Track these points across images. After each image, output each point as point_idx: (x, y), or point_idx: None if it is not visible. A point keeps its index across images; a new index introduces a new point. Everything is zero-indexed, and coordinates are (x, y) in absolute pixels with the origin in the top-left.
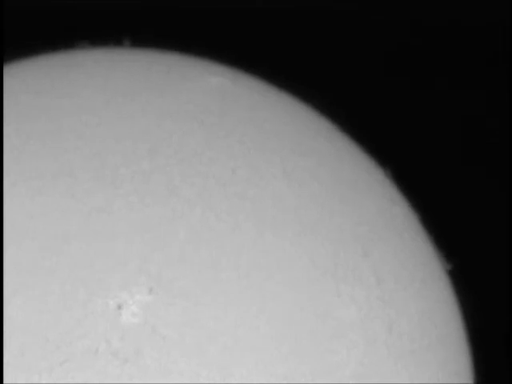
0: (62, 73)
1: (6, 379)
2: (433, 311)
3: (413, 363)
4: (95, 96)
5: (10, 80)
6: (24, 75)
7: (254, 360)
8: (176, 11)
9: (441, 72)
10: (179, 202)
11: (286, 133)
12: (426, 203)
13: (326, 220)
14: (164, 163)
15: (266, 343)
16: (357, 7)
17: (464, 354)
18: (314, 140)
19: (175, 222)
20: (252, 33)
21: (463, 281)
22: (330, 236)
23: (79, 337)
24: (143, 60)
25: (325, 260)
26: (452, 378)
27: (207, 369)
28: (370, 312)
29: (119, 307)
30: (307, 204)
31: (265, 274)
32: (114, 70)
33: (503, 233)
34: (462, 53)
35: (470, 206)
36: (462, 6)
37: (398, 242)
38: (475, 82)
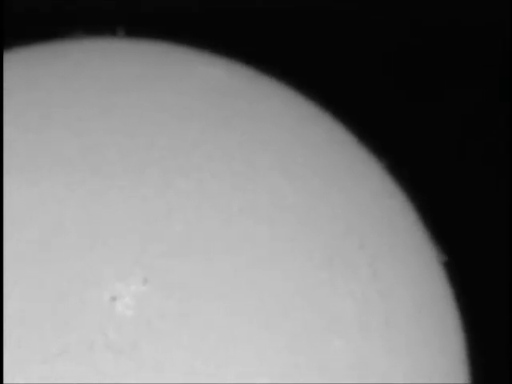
0: (55, 64)
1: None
2: (429, 304)
3: (409, 357)
4: (89, 87)
5: (4, 71)
6: (16, 66)
7: (249, 352)
8: (171, 2)
9: (440, 72)
10: (175, 194)
11: (283, 124)
12: (423, 196)
13: (323, 212)
14: (159, 155)
15: (262, 336)
16: (357, 7)
17: (460, 347)
18: (311, 132)
19: (170, 215)
20: (252, 32)
21: (460, 274)
22: (326, 228)
23: (74, 329)
24: (137, 51)
25: (320, 252)
26: (449, 373)
27: (202, 361)
28: (366, 305)
29: (113, 299)
30: (303, 196)
31: (260, 266)
32: (109, 61)
33: (500, 225)
34: (462, 53)
35: (466, 198)
36: (461, 6)
37: (395, 235)
38: (475, 82)
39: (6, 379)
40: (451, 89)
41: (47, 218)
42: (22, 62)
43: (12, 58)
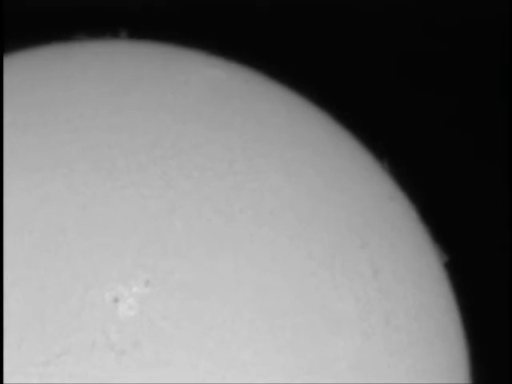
0: (58, 65)
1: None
2: (430, 304)
3: (409, 356)
4: (92, 88)
5: (6, 72)
6: (20, 67)
7: (250, 352)
8: (172, 3)
9: (441, 72)
10: (176, 194)
11: (284, 125)
12: (423, 195)
13: (324, 212)
14: (161, 155)
15: (263, 335)
16: (355, 7)
17: (461, 347)
18: (311, 133)
19: (172, 215)
20: (252, 32)
21: (460, 273)
22: (327, 228)
23: (76, 330)
24: (140, 52)
25: (322, 252)
26: (449, 372)
27: (204, 361)
28: (366, 304)
29: (116, 300)
30: (305, 196)
31: (262, 266)
32: (111, 62)
33: (501, 225)
34: (462, 53)
35: (467, 198)
36: (461, 6)
37: (396, 234)
38: (475, 82)
39: (7, 380)
40: (451, 89)
41: (49, 218)
42: (26, 64)
43: (15, 59)
